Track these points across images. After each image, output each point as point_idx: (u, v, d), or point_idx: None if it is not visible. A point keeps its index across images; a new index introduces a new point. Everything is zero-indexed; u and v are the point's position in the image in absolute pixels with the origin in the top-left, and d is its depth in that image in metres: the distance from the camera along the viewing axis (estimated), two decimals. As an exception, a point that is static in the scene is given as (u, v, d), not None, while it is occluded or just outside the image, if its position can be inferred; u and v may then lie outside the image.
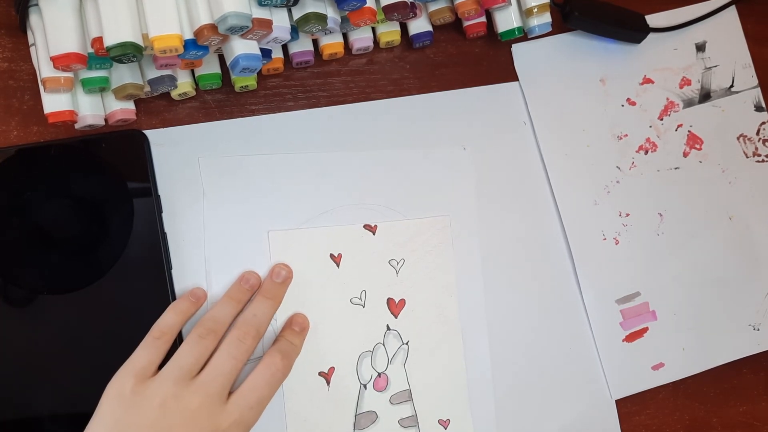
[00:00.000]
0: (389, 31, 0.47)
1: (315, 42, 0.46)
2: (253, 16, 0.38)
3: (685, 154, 0.50)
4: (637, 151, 0.50)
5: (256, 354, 0.42)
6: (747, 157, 0.51)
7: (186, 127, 0.45)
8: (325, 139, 0.46)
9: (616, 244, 0.49)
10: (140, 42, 0.37)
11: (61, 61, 0.38)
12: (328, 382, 0.44)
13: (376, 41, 0.47)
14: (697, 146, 0.51)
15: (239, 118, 0.45)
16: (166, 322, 0.40)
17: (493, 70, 0.49)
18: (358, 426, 0.44)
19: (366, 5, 0.41)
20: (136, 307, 0.41)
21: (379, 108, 0.47)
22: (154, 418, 0.36)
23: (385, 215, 0.46)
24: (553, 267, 0.48)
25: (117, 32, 0.37)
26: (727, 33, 0.52)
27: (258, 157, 0.45)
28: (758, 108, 0.52)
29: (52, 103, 0.40)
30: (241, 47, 0.40)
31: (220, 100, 0.46)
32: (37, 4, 0.39)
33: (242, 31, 0.38)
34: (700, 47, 0.52)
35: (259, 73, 0.45)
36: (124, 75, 0.41)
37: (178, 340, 0.40)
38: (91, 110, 0.42)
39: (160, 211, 0.43)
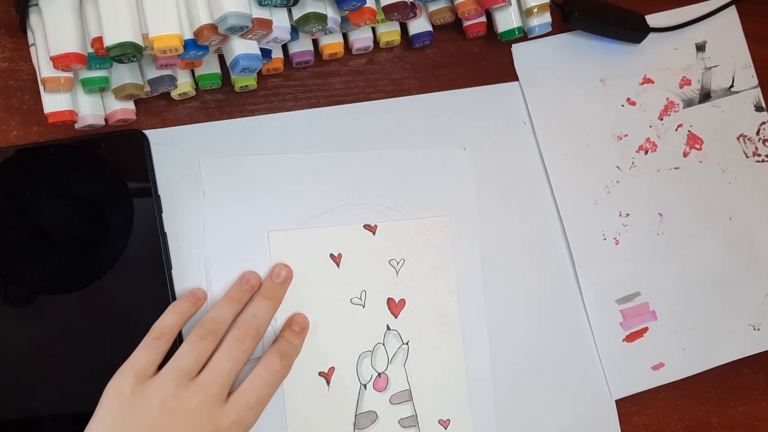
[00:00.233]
0: (389, 31, 0.47)
1: (315, 42, 0.46)
2: (253, 16, 0.38)
3: (685, 154, 0.50)
4: (637, 151, 0.50)
5: (256, 354, 0.42)
6: (747, 157, 0.51)
7: (186, 127, 0.45)
8: (325, 139, 0.46)
9: (616, 244, 0.49)
10: (140, 42, 0.37)
11: (61, 61, 0.38)
12: (328, 382, 0.44)
13: (376, 41, 0.47)
14: (697, 146, 0.51)
15: (239, 118, 0.45)
16: (166, 323, 0.40)
17: (493, 70, 0.49)
18: (358, 426, 0.44)
19: (366, 5, 0.41)
20: (136, 307, 0.41)
21: (379, 108, 0.47)
22: (154, 419, 0.36)
23: (385, 215, 0.46)
24: (553, 267, 0.48)
25: (117, 32, 0.37)
26: (727, 33, 0.52)
27: (258, 157, 0.45)
28: (758, 108, 0.52)
29: (52, 103, 0.40)
30: (241, 47, 0.40)
31: (220, 100, 0.46)
32: (37, 4, 0.39)
33: (242, 31, 0.38)
34: (700, 47, 0.52)
35: (259, 73, 0.45)
36: (124, 75, 0.41)
37: (178, 341, 0.40)
38: (91, 110, 0.42)
39: (160, 211, 0.43)
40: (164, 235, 0.43)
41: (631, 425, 0.48)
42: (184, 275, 0.43)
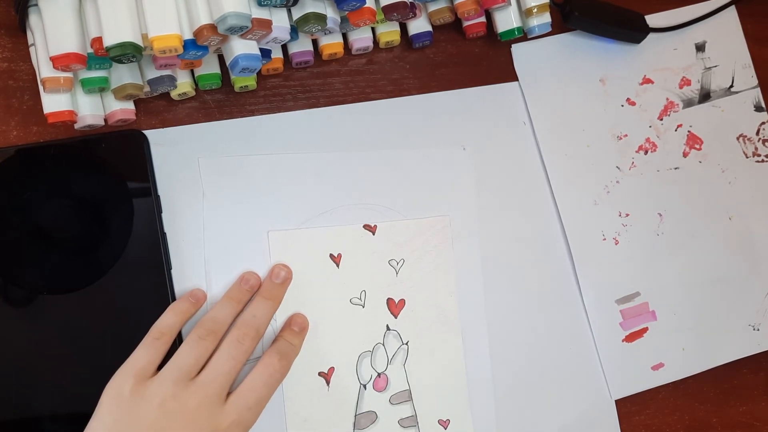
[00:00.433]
0: (389, 31, 0.47)
1: (315, 42, 0.46)
2: (253, 16, 0.38)
3: (685, 154, 0.50)
4: (636, 151, 0.50)
5: (256, 354, 0.42)
6: (747, 157, 0.51)
7: (186, 127, 0.45)
8: (325, 139, 0.46)
9: (616, 244, 0.49)
10: (140, 42, 0.37)
11: (60, 61, 0.38)
12: (327, 382, 0.44)
13: (375, 41, 0.47)
14: (697, 146, 0.51)
15: (239, 118, 0.45)
16: (166, 323, 0.40)
17: (493, 70, 0.49)
18: (358, 426, 0.44)
19: (365, 5, 0.41)
20: (136, 307, 0.41)
21: (379, 108, 0.47)
22: (153, 419, 0.36)
23: (385, 215, 0.46)
24: (553, 267, 0.48)
25: (117, 32, 0.37)
26: (727, 33, 0.52)
27: (258, 157, 0.45)
28: (758, 108, 0.52)
29: (52, 103, 0.40)
30: (241, 47, 0.40)
31: (220, 100, 0.46)
32: (36, 4, 0.39)
33: (242, 31, 0.38)
34: (700, 47, 0.52)
35: (259, 73, 0.45)
36: (123, 75, 0.41)
37: (178, 341, 0.40)
38: (90, 110, 0.42)
39: (160, 211, 0.43)
40: (164, 235, 0.43)
41: (631, 425, 0.48)
42: (184, 275, 0.43)
